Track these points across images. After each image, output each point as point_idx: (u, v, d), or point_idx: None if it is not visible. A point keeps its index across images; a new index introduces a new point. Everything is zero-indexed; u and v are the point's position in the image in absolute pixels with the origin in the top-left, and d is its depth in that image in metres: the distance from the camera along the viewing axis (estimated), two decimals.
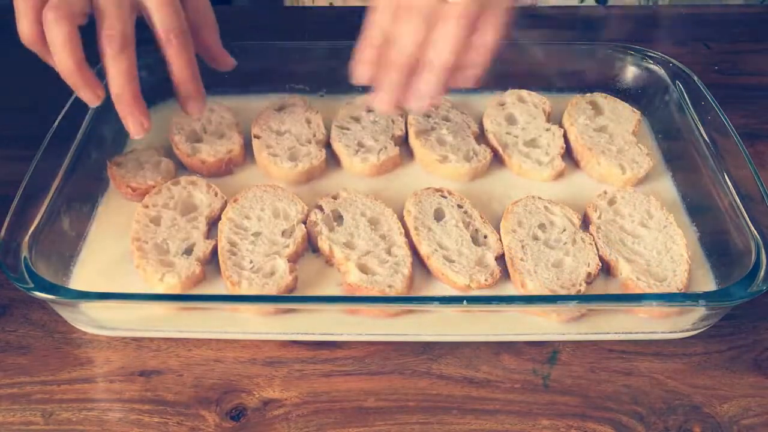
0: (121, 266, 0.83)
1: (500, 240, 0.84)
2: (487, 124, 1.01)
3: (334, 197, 0.88)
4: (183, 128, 0.99)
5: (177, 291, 0.79)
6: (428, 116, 1.01)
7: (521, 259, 0.81)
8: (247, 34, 1.25)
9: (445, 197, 0.89)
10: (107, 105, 0.96)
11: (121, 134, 1.01)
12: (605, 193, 0.90)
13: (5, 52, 1.22)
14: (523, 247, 0.83)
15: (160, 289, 0.79)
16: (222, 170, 0.96)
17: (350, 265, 0.80)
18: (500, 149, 0.97)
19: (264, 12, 1.39)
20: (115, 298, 0.76)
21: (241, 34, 1.25)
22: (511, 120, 1.02)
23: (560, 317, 0.78)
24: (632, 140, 0.98)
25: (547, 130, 1.00)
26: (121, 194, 0.92)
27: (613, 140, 0.98)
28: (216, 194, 0.89)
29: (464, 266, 0.80)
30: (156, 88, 1.03)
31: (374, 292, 0.78)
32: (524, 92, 1.05)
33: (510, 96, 1.05)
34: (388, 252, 0.82)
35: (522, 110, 1.03)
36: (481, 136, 1.01)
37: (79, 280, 0.82)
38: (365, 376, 0.77)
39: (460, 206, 0.88)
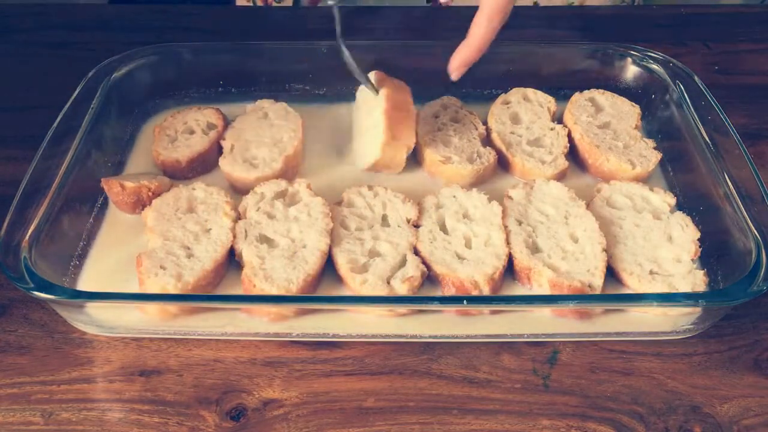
0: (129, 269, 0.82)
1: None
2: (492, 123, 1.01)
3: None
4: (165, 130, 0.99)
5: (181, 292, 0.79)
6: (436, 116, 1.01)
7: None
8: (247, 34, 1.25)
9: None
10: (108, 106, 0.97)
11: (121, 135, 1.02)
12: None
13: (5, 53, 1.23)
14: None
15: (157, 290, 0.79)
16: (193, 170, 0.96)
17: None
18: (504, 148, 0.97)
19: (264, 12, 1.39)
20: (115, 298, 0.76)
21: (241, 34, 1.26)
22: (515, 119, 1.02)
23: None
24: (637, 135, 0.98)
25: (552, 129, 1.00)
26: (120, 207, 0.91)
27: (618, 136, 0.98)
28: (221, 196, 0.89)
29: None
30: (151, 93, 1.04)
31: (384, 292, 0.78)
32: (529, 91, 1.05)
33: (515, 95, 1.05)
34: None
35: (527, 109, 1.03)
36: (488, 137, 1.01)
37: (86, 283, 0.82)
38: (365, 376, 0.77)
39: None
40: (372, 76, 0.97)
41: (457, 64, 0.91)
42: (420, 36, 1.23)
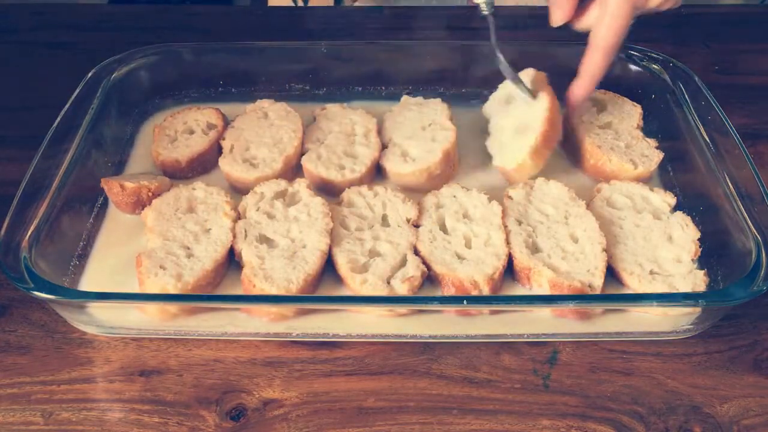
0: (129, 269, 0.82)
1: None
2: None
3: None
4: (165, 130, 0.99)
5: (180, 292, 0.79)
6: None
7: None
8: (247, 34, 1.25)
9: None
10: (108, 106, 0.97)
11: (121, 135, 1.02)
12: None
13: (5, 52, 1.23)
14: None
15: (157, 290, 0.79)
16: (193, 170, 0.96)
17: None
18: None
19: (264, 12, 1.39)
20: (115, 298, 0.76)
21: (241, 34, 1.26)
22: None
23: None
24: (638, 135, 0.98)
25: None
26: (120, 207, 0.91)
27: (619, 136, 0.98)
28: (221, 196, 0.89)
29: None
30: (151, 93, 1.04)
31: (384, 292, 0.78)
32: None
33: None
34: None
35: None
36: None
37: (86, 283, 0.83)
38: (365, 376, 0.77)
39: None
40: (529, 74, 0.98)
41: (578, 101, 0.93)
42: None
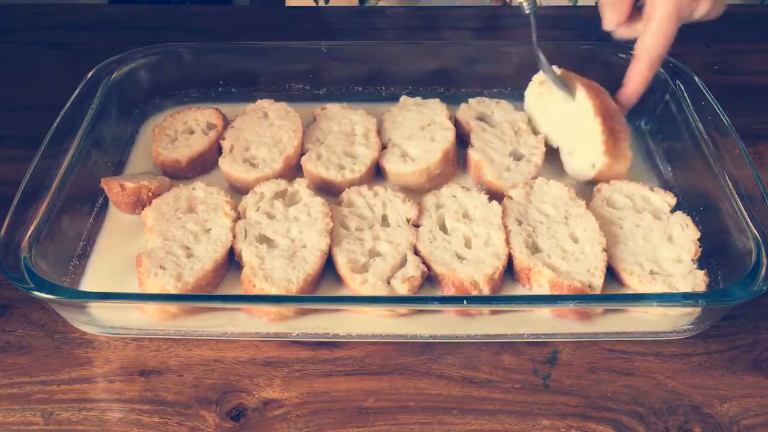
0: (129, 269, 0.82)
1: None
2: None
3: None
4: (165, 130, 0.99)
5: (180, 292, 0.79)
6: None
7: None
8: (247, 34, 1.25)
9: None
10: (108, 106, 0.97)
11: (121, 135, 1.02)
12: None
13: (5, 52, 1.23)
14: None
15: (157, 290, 0.79)
16: (193, 170, 0.96)
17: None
18: None
19: (264, 12, 1.39)
20: (115, 298, 0.76)
21: (241, 34, 1.26)
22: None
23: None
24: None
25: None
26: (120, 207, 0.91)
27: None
28: (221, 196, 0.89)
29: None
30: (151, 94, 1.04)
31: (384, 292, 0.78)
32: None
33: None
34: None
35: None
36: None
37: (86, 283, 0.83)
38: (365, 376, 0.77)
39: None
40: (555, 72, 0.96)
41: (622, 111, 0.93)
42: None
